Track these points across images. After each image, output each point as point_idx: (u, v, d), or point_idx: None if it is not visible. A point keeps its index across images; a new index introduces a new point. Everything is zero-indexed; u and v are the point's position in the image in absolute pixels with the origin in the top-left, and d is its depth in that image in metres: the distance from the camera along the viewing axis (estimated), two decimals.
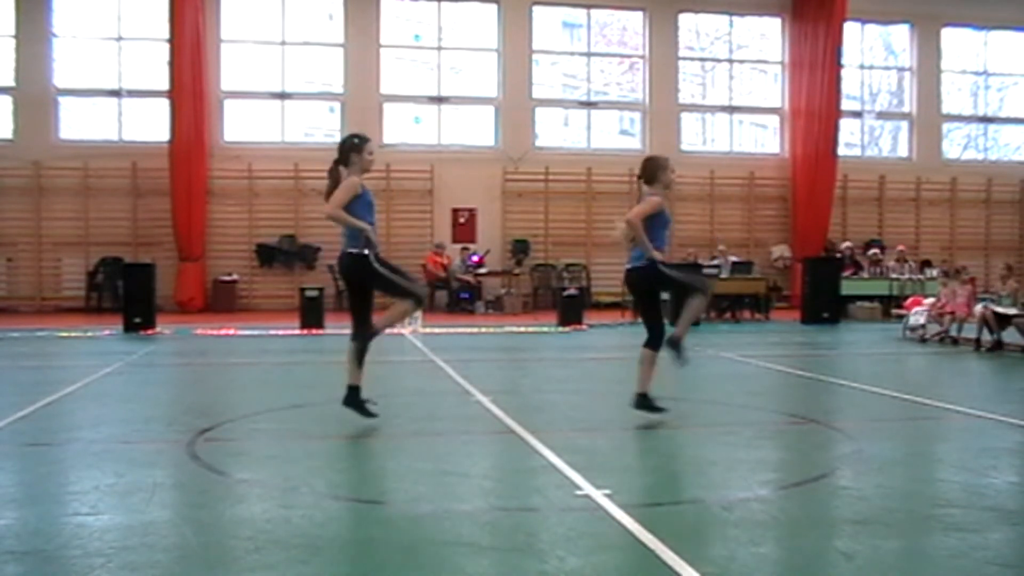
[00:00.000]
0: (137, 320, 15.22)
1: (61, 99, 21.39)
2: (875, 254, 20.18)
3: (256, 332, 15.40)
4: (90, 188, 20.84)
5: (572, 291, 17.73)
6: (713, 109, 24.60)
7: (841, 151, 23.01)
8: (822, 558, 4.11)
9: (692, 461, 6.23)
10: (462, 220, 22.02)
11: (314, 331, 15.36)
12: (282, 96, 21.99)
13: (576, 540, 4.25)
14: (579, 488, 5.07)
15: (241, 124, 21.99)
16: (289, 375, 10.61)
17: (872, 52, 25.16)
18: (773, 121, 24.60)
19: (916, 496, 5.17)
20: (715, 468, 5.81)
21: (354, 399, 6.94)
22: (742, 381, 9.94)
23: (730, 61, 24.51)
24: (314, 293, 16.09)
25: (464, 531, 4.38)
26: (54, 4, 21.15)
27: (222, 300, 20.47)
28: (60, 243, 20.90)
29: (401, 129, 22.57)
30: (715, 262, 18.69)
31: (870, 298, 19.18)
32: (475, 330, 15.89)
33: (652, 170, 7.21)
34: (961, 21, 24.67)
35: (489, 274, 20.94)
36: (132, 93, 21.49)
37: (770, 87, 24.72)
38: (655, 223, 7.07)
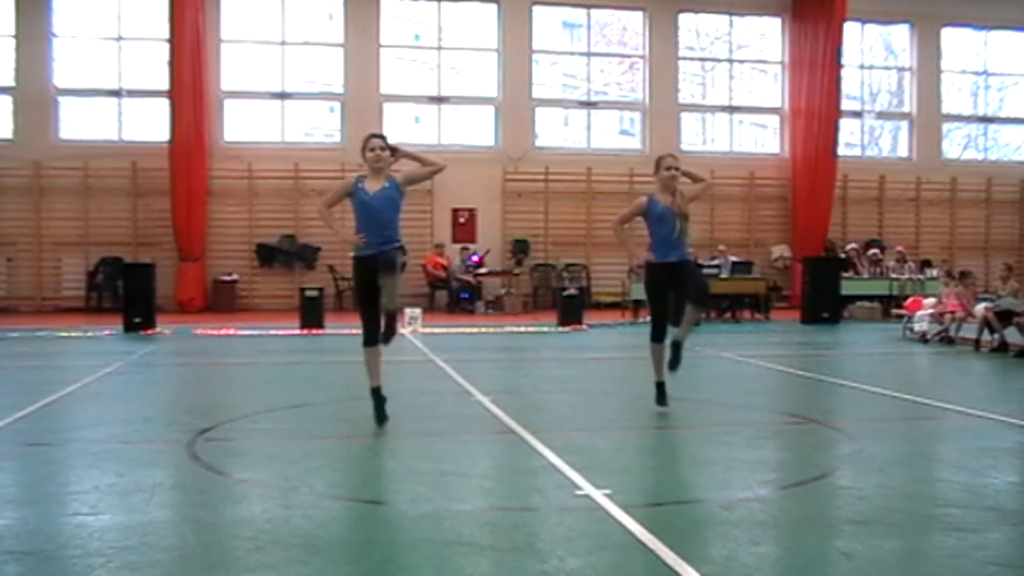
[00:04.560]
0: (137, 320, 15.22)
1: (61, 99, 21.39)
2: (875, 254, 20.17)
3: (256, 332, 15.39)
4: (90, 188, 20.83)
5: (572, 291, 17.73)
6: (713, 109, 24.60)
7: (841, 151, 23.00)
8: (822, 558, 4.11)
9: (692, 461, 6.23)
10: (462, 220, 22.02)
11: (314, 331, 15.36)
12: (282, 96, 21.99)
13: (576, 540, 4.25)
14: (579, 488, 5.07)
15: (241, 124, 21.98)
16: (289, 375, 10.61)
17: (872, 52, 25.15)
18: (773, 121, 24.59)
19: (916, 496, 5.17)
20: (715, 468, 5.81)
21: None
22: (742, 381, 9.94)
23: (730, 61, 24.51)
24: (314, 293, 16.09)
25: (464, 531, 4.38)
26: (54, 4, 21.15)
27: (222, 300, 20.46)
28: (60, 243, 20.90)
29: (401, 129, 22.56)
30: (715, 262, 18.67)
31: (870, 298, 19.18)
32: (475, 330, 15.88)
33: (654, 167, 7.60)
34: (961, 21, 24.66)
35: (489, 274, 20.93)
36: (132, 93, 21.48)
37: (770, 87, 24.72)
38: (648, 222, 7.51)
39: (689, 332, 7.71)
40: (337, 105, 22.64)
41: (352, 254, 6.97)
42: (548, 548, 4.16)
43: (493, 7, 22.54)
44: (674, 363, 7.52)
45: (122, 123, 21.54)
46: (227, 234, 21.28)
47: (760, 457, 6.16)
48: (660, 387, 7.55)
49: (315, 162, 21.12)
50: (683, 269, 7.54)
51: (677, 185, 7.48)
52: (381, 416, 6.94)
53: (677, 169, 7.49)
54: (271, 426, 7.17)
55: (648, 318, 7.65)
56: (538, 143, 22.88)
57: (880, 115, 25.51)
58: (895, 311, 16.56)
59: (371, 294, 6.85)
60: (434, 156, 7.23)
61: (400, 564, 4.02)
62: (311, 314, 15.77)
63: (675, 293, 7.55)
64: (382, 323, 6.78)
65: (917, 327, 14.16)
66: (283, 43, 21.97)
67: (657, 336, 7.52)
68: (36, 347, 13.46)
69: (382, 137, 7.02)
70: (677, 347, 7.52)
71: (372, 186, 6.85)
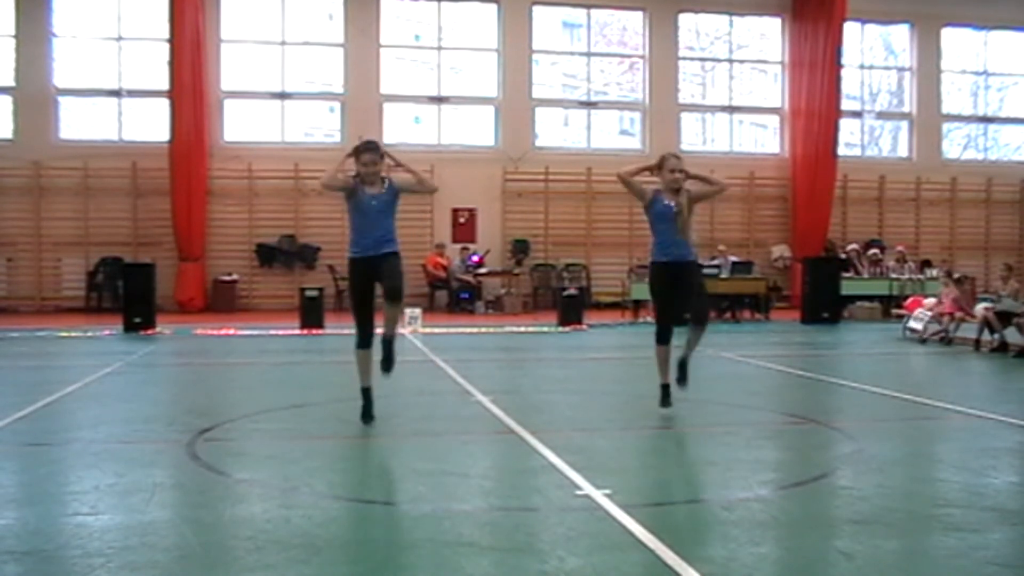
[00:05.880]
0: (137, 320, 15.22)
1: (61, 99, 21.38)
2: (875, 254, 20.17)
3: (256, 332, 15.38)
4: (90, 188, 20.83)
5: (572, 291, 17.72)
6: (713, 109, 24.60)
7: (841, 151, 23.00)
8: (822, 558, 4.11)
9: (692, 461, 6.24)
10: (462, 220, 22.02)
11: (314, 331, 15.35)
12: (282, 96, 21.99)
13: (576, 540, 4.25)
14: (579, 488, 5.07)
15: (241, 124, 21.97)
16: (289, 375, 10.61)
17: (872, 52, 25.15)
18: (773, 121, 24.59)
19: (916, 496, 5.17)
20: (715, 468, 5.81)
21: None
22: (742, 381, 9.94)
23: (730, 61, 24.50)
24: (314, 293, 16.08)
25: (464, 531, 4.38)
26: (54, 4, 21.14)
27: (222, 300, 20.46)
28: (60, 243, 20.89)
29: (401, 129, 22.56)
30: (715, 262, 18.65)
31: (870, 298, 19.18)
32: (475, 330, 15.88)
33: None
34: (961, 21, 24.66)
35: (489, 274, 20.93)
36: (132, 93, 21.48)
37: (770, 87, 24.71)
38: (650, 217, 7.40)
39: (694, 350, 7.47)
40: (337, 105, 22.64)
41: (349, 255, 7.02)
42: (548, 548, 4.16)
43: (493, 7, 22.54)
44: (682, 380, 7.37)
45: (122, 123, 21.53)
46: (227, 234, 21.28)
47: (760, 457, 6.16)
48: (665, 389, 7.44)
49: (315, 162, 20.93)
50: (687, 273, 7.28)
51: (683, 186, 7.28)
52: (368, 415, 6.98)
53: (683, 171, 7.27)
54: (271, 426, 7.17)
55: (648, 319, 7.59)
56: (538, 143, 22.88)
57: (880, 115, 25.51)
58: (895, 311, 16.56)
59: (366, 297, 6.92)
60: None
61: (400, 564, 4.02)
62: (311, 314, 15.77)
63: (679, 297, 7.33)
64: (382, 329, 6.89)
65: (912, 325, 14.16)
66: (283, 43, 21.96)
67: (662, 338, 7.38)
68: (36, 347, 13.46)
69: (373, 150, 6.95)
70: (683, 365, 7.37)
71: (371, 190, 6.92)
